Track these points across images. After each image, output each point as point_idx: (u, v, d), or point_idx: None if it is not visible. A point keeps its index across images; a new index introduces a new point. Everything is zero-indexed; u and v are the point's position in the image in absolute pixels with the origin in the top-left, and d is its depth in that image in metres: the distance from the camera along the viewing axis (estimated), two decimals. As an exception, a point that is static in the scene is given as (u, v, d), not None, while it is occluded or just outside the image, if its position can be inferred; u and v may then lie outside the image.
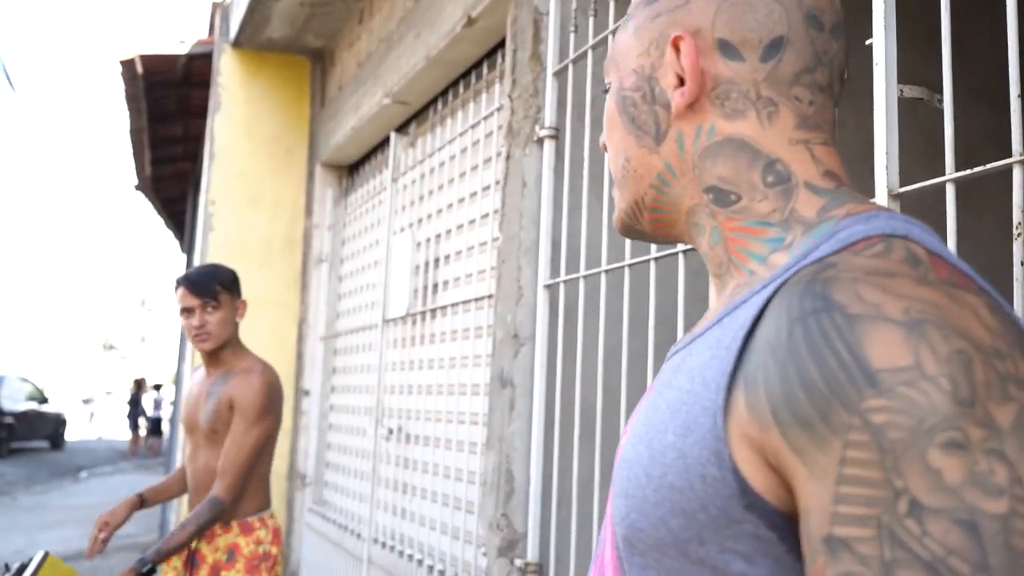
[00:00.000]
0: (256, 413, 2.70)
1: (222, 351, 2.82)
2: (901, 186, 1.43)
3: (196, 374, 2.96)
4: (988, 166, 1.26)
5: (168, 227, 11.51)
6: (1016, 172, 1.23)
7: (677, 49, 0.75)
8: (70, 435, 25.02)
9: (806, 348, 0.58)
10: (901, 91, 1.49)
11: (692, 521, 0.63)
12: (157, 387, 21.86)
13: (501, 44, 3.32)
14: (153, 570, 2.48)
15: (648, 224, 0.82)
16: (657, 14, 0.78)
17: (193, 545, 2.69)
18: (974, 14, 1.46)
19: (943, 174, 1.35)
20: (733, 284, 0.73)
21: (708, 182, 0.75)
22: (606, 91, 0.84)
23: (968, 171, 1.29)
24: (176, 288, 2.81)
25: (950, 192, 1.34)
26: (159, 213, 10.64)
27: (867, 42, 1.49)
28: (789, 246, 0.70)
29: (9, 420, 17.74)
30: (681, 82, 0.75)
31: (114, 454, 21.52)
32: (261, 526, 2.76)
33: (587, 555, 2.26)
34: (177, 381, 9.73)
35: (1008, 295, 1.03)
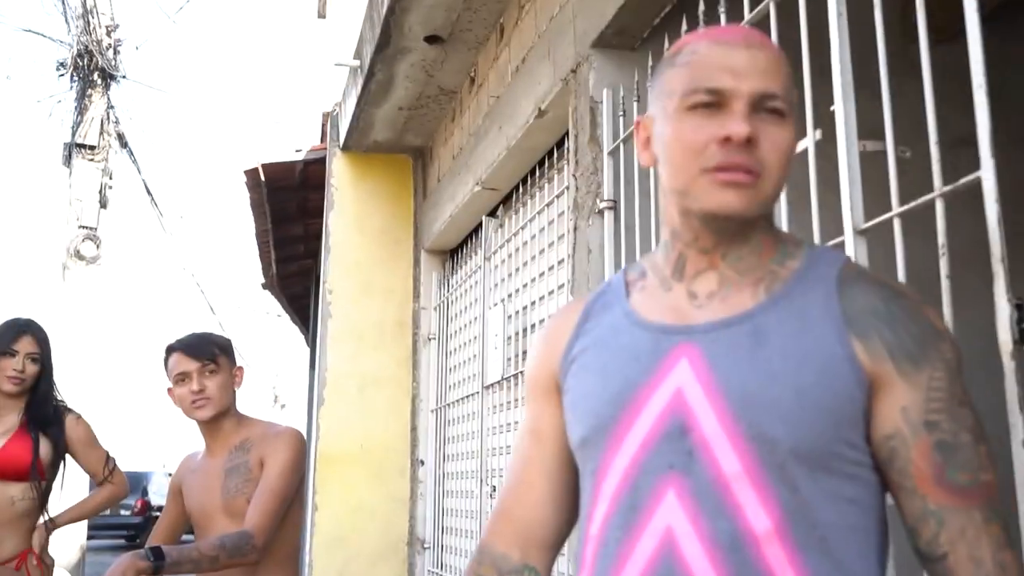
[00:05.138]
0: (288, 465, 2.50)
1: (224, 421, 2.60)
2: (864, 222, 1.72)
3: (190, 461, 2.77)
4: (914, 202, 1.55)
5: (294, 322, 12.24)
6: (938, 204, 1.51)
7: None
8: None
9: (903, 315, 1.06)
10: (863, 146, 1.79)
11: (840, 429, 1.03)
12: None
13: (568, 132, 3.71)
14: (159, 568, 2.17)
15: (768, 208, 1.11)
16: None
17: None
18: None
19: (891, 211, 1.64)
20: (754, 276, 1.11)
21: None
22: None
23: (905, 206, 1.59)
24: (168, 356, 2.63)
25: (897, 224, 1.62)
26: (285, 309, 11.36)
27: (831, 108, 1.80)
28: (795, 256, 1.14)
29: (157, 515, 18.59)
30: None
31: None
32: None
33: None
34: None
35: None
